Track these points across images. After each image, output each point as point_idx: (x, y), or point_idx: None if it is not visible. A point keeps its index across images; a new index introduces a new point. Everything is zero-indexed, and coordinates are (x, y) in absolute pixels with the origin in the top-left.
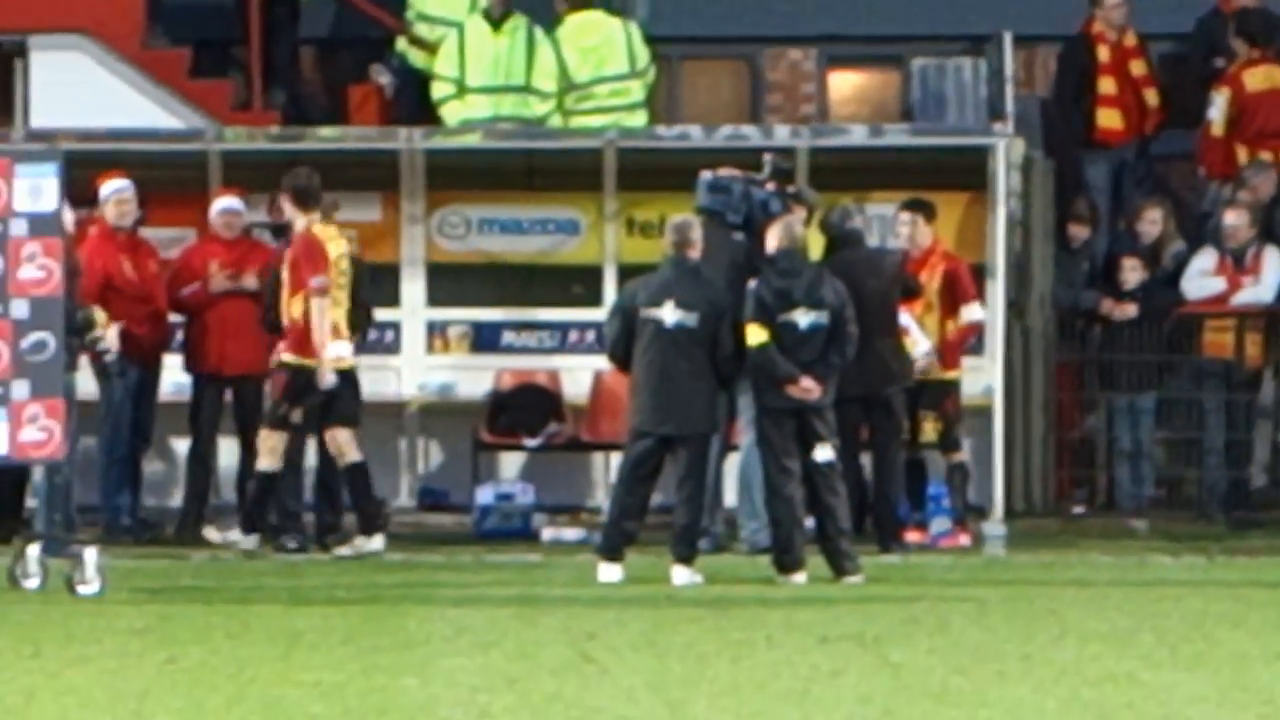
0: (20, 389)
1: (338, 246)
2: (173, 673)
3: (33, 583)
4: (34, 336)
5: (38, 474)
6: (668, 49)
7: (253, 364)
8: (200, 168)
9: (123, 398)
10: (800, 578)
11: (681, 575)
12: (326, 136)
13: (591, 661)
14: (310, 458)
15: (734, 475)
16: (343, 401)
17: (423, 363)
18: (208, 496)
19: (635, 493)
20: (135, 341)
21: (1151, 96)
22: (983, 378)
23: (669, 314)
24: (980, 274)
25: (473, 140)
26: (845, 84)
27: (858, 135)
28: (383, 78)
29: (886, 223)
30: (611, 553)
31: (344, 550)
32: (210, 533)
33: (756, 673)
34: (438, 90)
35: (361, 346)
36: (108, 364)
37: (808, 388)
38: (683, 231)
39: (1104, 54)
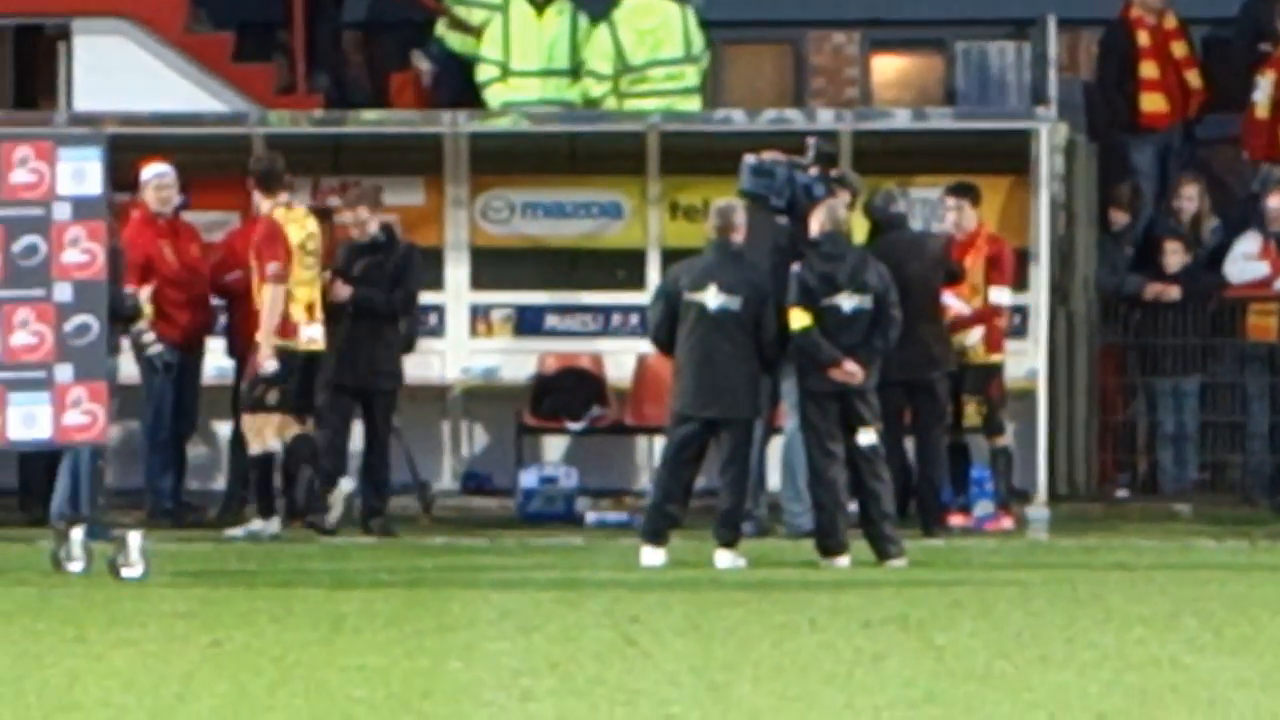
0: (64, 372)
1: (303, 229)
2: (216, 656)
3: (77, 566)
4: (77, 320)
5: (66, 458)
6: (712, 33)
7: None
8: (243, 151)
9: (165, 382)
10: (844, 561)
11: (725, 559)
12: (370, 120)
13: (634, 645)
14: (356, 442)
15: (777, 459)
16: (313, 387)
17: (466, 346)
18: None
19: (678, 477)
20: (177, 325)
21: (1194, 78)
22: (1026, 361)
23: (712, 298)
24: (1023, 258)
25: (517, 124)
26: (889, 68)
27: (901, 119)
28: (422, 64)
29: (930, 206)
30: (655, 536)
31: (235, 531)
32: (233, 531)
33: (800, 656)
34: (482, 73)
35: (412, 330)
36: (153, 358)
37: (851, 371)
38: (726, 215)
39: (1144, 38)
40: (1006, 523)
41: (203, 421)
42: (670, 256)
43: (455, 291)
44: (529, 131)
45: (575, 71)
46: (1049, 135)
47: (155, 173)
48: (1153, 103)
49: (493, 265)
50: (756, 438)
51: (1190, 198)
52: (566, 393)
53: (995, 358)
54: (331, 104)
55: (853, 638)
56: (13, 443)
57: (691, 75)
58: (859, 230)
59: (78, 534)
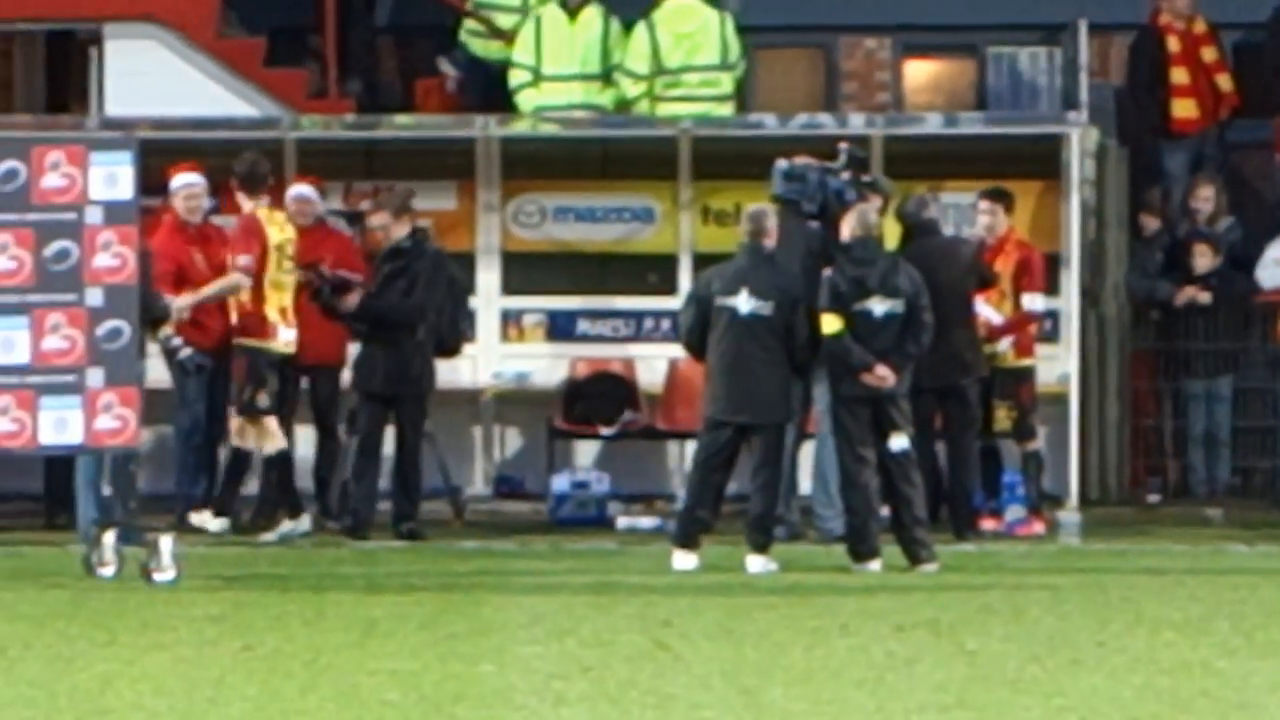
0: (95, 377)
1: (282, 232)
2: (248, 660)
3: (108, 570)
4: (109, 324)
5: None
6: (745, 38)
7: (329, 353)
8: (276, 156)
9: (198, 386)
10: (875, 566)
11: (756, 563)
12: (402, 125)
13: (666, 649)
14: (388, 445)
15: (809, 464)
16: (284, 390)
17: (498, 351)
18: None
19: (710, 481)
20: (209, 331)
21: (1224, 82)
22: (1058, 366)
23: (744, 303)
24: (1054, 262)
25: (548, 129)
26: (920, 73)
27: (932, 124)
28: (448, 70)
29: (961, 211)
30: (686, 541)
31: (269, 535)
32: (267, 536)
33: (831, 660)
34: (514, 78)
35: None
36: (184, 361)
37: (882, 376)
38: (758, 220)
39: (1174, 44)
40: (1038, 527)
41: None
42: (702, 261)
43: (487, 296)
44: (561, 136)
45: (607, 76)
46: (1080, 140)
47: (184, 182)
48: (1183, 108)
49: (524, 270)
50: (788, 442)
51: (1207, 199)
52: (598, 398)
53: (1026, 362)
54: (364, 109)
55: (884, 642)
56: (44, 447)
57: (726, 82)
58: (891, 235)
59: (109, 538)
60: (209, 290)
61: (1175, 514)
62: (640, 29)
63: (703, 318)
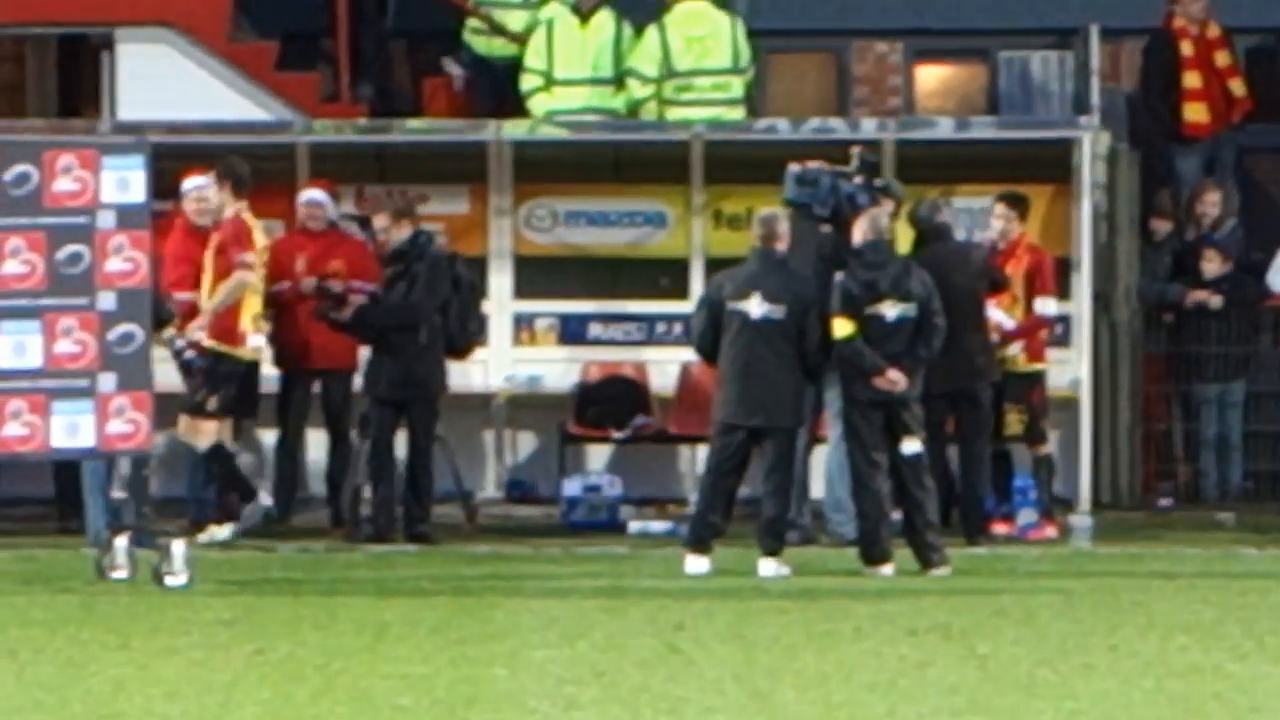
0: (107, 381)
1: (262, 237)
2: (260, 664)
3: (121, 574)
4: (121, 329)
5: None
6: (755, 42)
7: (341, 357)
8: (288, 160)
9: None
10: (887, 570)
11: (769, 567)
12: (414, 129)
13: (679, 653)
14: (399, 449)
15: (821, 467)
16: (252, 396)
17: (510, 355)
18: (296, 489)
19: (722, 485)
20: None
21: (1237, 87)
22: (1069, 370)
23: (756, 307)
24: (1066, 267)
25: (561, 133)
26: (932, 77)
27: (944, 128)
28: (453, 70)
29: (973, 215)
30: (699, 545)
31: (202, 537)
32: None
33: (843, 664)
34: (526, 82)
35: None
36: (189, 362)
37: (894, 380)
38: (770, 224)
39: (1187, 48)
40: (1050, 531)
41: (246, 429)
42: (714, 265)
43: (499, 300)
44: (573, 140)
45: (619, 80)
46: (1091, 144)
47: (194, 185)
48: (1195, 112)
49: (536, 274)
50: (800, 446)
51: (1214, 203)
52: (610, 401)
53: (1037, 366)
54: (376, 113)
55: (896, 646)
56: (56, 451)
57: (737, 86)
58: (903, 239)
59: (122, 542)
60: (219, 297)
61: (1187, 518)
62: (651, 32)
63: (714, 322)
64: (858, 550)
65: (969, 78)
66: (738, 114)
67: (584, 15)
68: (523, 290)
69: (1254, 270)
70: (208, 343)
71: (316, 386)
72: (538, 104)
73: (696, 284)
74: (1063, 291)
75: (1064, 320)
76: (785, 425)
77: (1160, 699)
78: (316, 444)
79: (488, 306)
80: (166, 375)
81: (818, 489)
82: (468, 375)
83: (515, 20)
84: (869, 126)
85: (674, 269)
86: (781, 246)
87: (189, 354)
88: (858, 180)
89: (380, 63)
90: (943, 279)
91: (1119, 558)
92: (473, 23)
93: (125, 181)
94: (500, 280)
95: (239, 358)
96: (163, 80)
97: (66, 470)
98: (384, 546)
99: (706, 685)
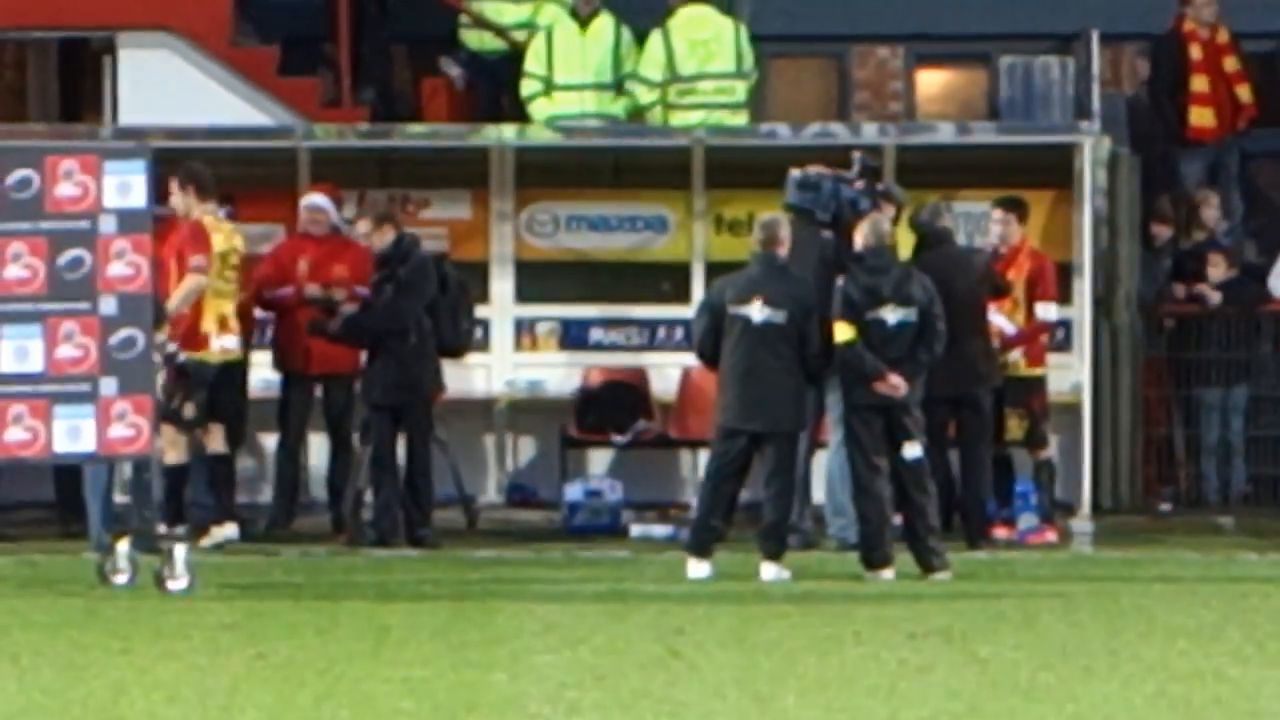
0: (109, 386)
1: (226, 241)
2: (262, 668)
3: (122, 579)
4: (122, 333)
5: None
6: (757, 47)
7: (342, 362)
8: (289, 164)
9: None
10: (888, 574)
11: (770, 571)
12: (415, 134)
13: (680, 657)
14: (399, 456)
15: (822, 472)
16: (225, 396)
17: (511, 360)
18: (297, 494)
19: (723, 490)
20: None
21: (1244, 93)
22: (1070, 375)
23: (757, 311)
24: (1067, 271)
25: (562, 138)
26: (933, 82)
27: (945, 133)
28: (452, 70)
29: (974, 220)
30: (700, 549)
31: (204, 542)
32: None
33: (844, 668)
34: (525, 88)
35: (452, 337)
36: (181, 366)
37: (895, 384)
38: (771, 229)
39: (1196, 52)
40: (1050, 535)
41: (249, 434)
42: (715, 270)
43: (500, 305)
44: (575, 145)
45: (619, 85)
46: (1092, 149)
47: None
48: (1201, 116)
49: (538, 279)
50: (801, 451)
51: (1214, 206)
52: (611, 406)
53: (1037, 371)
54: (377, 117)
55: (897, 650)
56: (57, 456)
57: (740, 90)
58: (904, 244)
59: (124, 547)
60: (175, 300)
61: (1187, 522)
62: (655, 36)
63: (716, 326)
64: (859, 555)
65: (970, 83)
66: (741, 118)
67: (583, 20)
68: (524, 295)
69: (1255, 275)
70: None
71: (318, 391)
72: (537, 109)
73: (698, 289)
74: (1064, 296)
75: (1065, 325)
76: (786, 430)
77: (1161, 703)
78: (318, 449)
79: (489, 311)
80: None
81: (819, 493)
82: (469, 380)
83: (510, 14)
84: (870, 131)
85: (675, 274)
86: (783, 251)
87: (180, 358)
88: (859, 185)
89: (381, 67)
90: (944, 284)
91: (1119, 562)
92: (464, 17)
93: (127, 186)
94: (502, 285)
95: (205, 361)
96: (164, 85)
97: (67, 474)
98: (385, 551)
99: (707, 690)
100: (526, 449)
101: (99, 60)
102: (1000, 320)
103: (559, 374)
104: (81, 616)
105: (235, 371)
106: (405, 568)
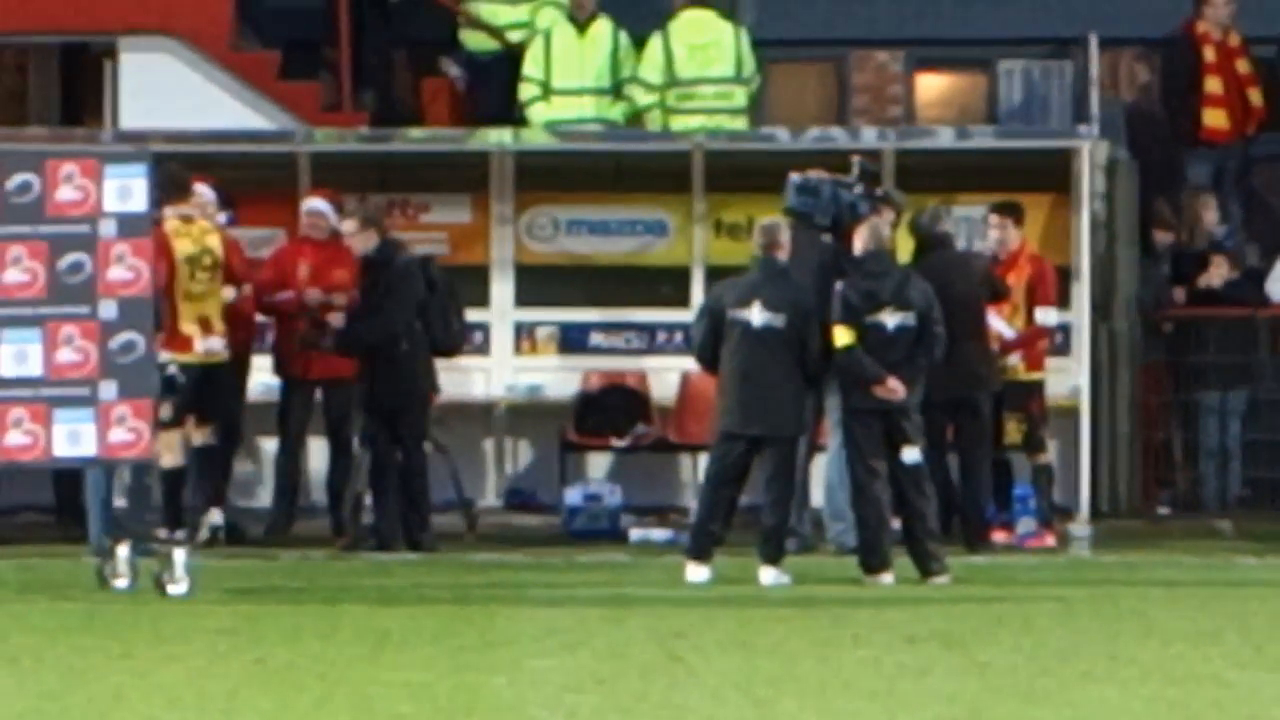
0: (108, 390)
1: (198, 244)
2: (261, 673)
3: (122, 583)
4: (122, 337)
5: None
6: (757, 52)
7: (341, 367)
8: (290, 169)
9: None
10: (887, 578)
11: (769, 575)
12: (416, 138)
13: (679, 661)
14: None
15: (821, 476)
16: (214, 397)
17: (511, 364)
18: (297, 498)
19: (722, 494)
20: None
21: (1255, 96)
22: (1069, 379)
23: (756, 315)
24: (1065, 276)
25: (562, 142)
26: (932, 86)
27: (944, 137)
28: (452, 70)
29: (973, 224)
30: (699, 553)
31: (198, 537)
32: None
33: (843, 672)
34: (524, 92)
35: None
36: (172, 377)
37: (893, 388)
38: (770, 233)
39: (1210, 54)
40: (1049, 539)
41: (248, 438)
42: (715, 274)
43: (500, 309)
44: (575, 149)
45: (617, 89)
46: (1090, 153)
47: (194, 192)
48: (1214, 118)
49: (537, 283)
50: (800, 455)
51: (1211, 208)
52: (611, 410)
53: (1036, 375)
54: (377, 121)
55: (896, 654)
56: (57, 460)
57: (740, 95)
58: (904, 248)
59: (124, 551)
60: None
61: (1185, 526)
62: (655, 40)
63: (715, 330)
64: (858, 558)
65: (969, 87)
66: (740, 123)
67: (581, 25)
68: (524, 299)
69: (1254, 279)
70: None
71: (318, 395)
72: (536, 113)
73: (697, 293)
74: (1062, 301)
75: (1063, 329)
76: (786, 434)
77: (1159, 707)
78: (318, 453)
79: (489, 315)
80: None
81: (818, 497)
82: (469, 384)
83: (507, 16)
84: (869, 136)
85: (675, 278)
86: (782, 255)
87: (171, 369)
88: (858, 189)
89: (382, 72)
90: (943, 288)
91: (1118, 566)
92: (462, 19)
93: (127, 190)
94: (501, 289)
95: (186, 364)
96: (165, 89)
97: (66, 479)
98: (384, 555)
99: (707, 693)
100: (526, 453)
101: (100, 64)
102: (1000, 324)
103: (558, 378)
104: (81, 620)
105: (222, 372)
106: (405, 572)
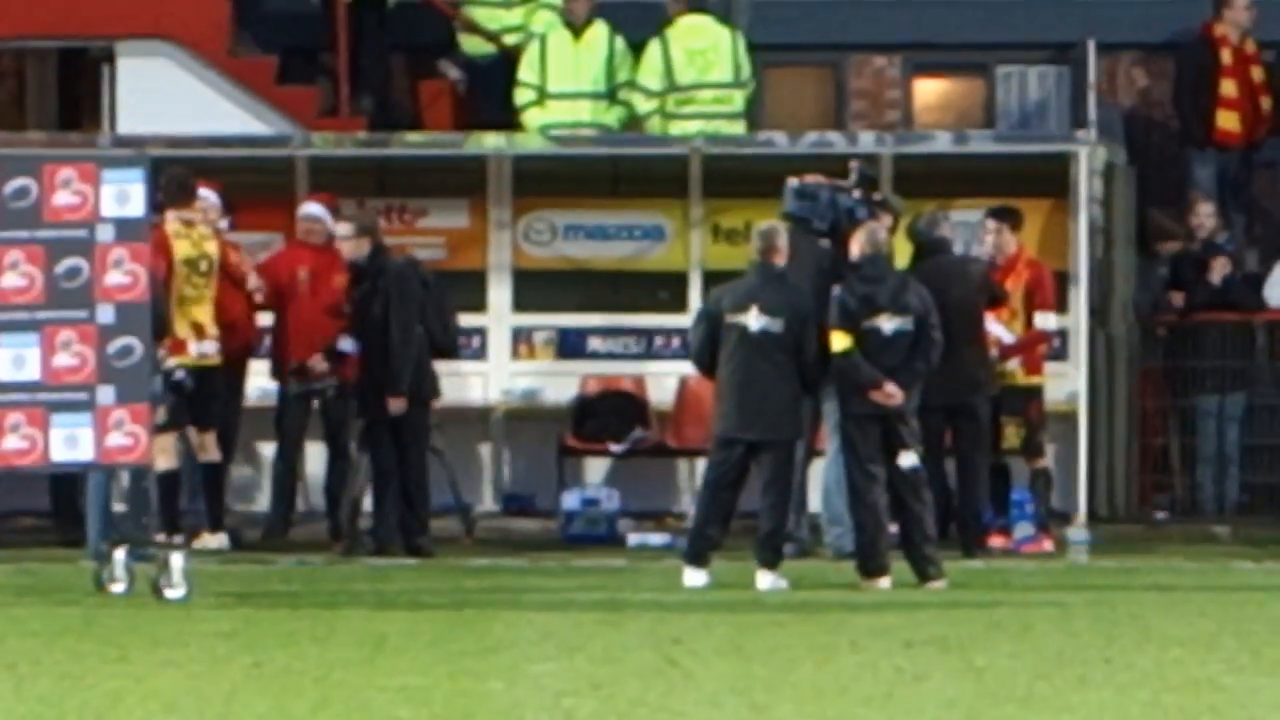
0: (106, 394)
1: (196, 248)
2: (258, 677)
3: (119, 587)
4: (120, 342)
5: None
6: (753, 56)
7: (341, 371)
8: (287, 173)
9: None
10: (884, 583)
11: (766, 580)
12: (413, 142)
13: (676, 666)
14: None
15: (819, 480)
16: (208, 401)
17: (508, 369)
18: (294, 502)
19: (720, 499)
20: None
21: (1265, 102)
22: (1067, 384)
23: (754, 320)
24: (1063, 280)
25: (560, 147)
26: (930, 91)
27: (942, 142)
28: (452, 72)
29: (970, 229)
30: (696, 558)
31: (195, 544)
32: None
33: (840, 677)
34: (519, 96)
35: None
36: (180, 382)
37: (891, 393)
38: (768, 238)
39: (1226, 56)
40: (1046, 544)
41: (246, 442)
42: (712, 279)
43: (497, 314)
44: (572, 154)
45: (612, 94)
46: (1088, 158)
47: (201, 197)
48: (1227, 120)
49: (535, 287)
50: (798, 459)
51: (1209, 214)
52: (608, 415)
53: (1034, 380)
54: (375, 126)
55: (893, 659)
56: (55, 464)
57: (738, 100)
58: (902, 253)
59: (120, 555)
60: None
61: (1183, 531)
62: (653, 46)
63: (713, 335)
64: (855, 563)
65: (967, 92)
66: (738, 127)
67: (577, 29)
68: (521, 303)
69: (1252, 283)
70: None
71: (316, 400)
72: (531, 118)
73: (695, 297)
74: (1060, 305)
75: (1061, 334)
76: (783, 438)
77: (1156, 712)
78: (315, 457)
79: (487, 320)
80: None
81: (815, 502)
82: (466, 389)
83: (502, 19)
84: (867, 140)
85: (672, 282)
86: (780, 260)
87: (178, 374)
88: (856, 194)
89: (379, 76)
90: (941, 293)
91: (1115, 571)
92: (458, 22)
93: (124, 195)
94: (499, 293)
95: (182, 366)
96: (162, 94)
97: (62, 483)
98: (382, 559)
99: (704, 698)
100: (523, 458)
101: (98, 69)
102: (998, 329)
103: (556, 383)
104: (78, 625)
105: (215, 375)
106: (402, 576)
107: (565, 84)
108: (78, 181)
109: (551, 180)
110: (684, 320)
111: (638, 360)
